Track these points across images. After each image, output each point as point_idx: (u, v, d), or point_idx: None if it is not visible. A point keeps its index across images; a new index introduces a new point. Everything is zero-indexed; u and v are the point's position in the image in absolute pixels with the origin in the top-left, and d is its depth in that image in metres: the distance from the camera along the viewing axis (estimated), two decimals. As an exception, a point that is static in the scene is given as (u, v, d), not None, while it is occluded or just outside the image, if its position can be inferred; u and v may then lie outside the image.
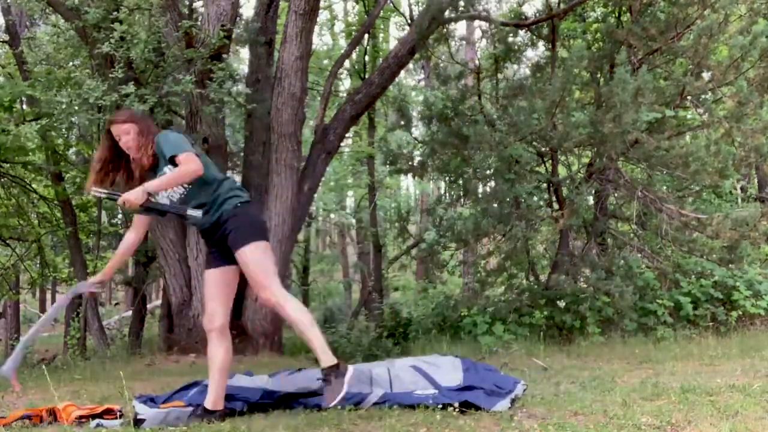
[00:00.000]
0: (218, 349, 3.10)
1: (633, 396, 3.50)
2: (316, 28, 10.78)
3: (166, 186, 3.01)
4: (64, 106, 6.20)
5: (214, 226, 3.11)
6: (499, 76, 8.51)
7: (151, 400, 3.29)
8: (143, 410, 3.08)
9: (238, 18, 7.97)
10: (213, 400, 3.08)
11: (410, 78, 18.60)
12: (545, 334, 6.83)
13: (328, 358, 2.89)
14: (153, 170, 3.13)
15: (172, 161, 3.03)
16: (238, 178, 8.08)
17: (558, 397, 3.50)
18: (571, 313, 7.13)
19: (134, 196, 2.89)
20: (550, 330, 7.11)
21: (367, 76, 10.71)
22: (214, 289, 3.16)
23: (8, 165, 8.89)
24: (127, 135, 3.13)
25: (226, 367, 3.11)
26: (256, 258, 3.01)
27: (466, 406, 3.09)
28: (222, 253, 3.14)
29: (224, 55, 6.79)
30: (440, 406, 3.12)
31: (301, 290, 16.16)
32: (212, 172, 3.15)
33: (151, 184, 2.95)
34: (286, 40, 7.13)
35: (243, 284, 7.59)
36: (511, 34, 8.17)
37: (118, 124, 3.14)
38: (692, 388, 3.66)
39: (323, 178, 10.59)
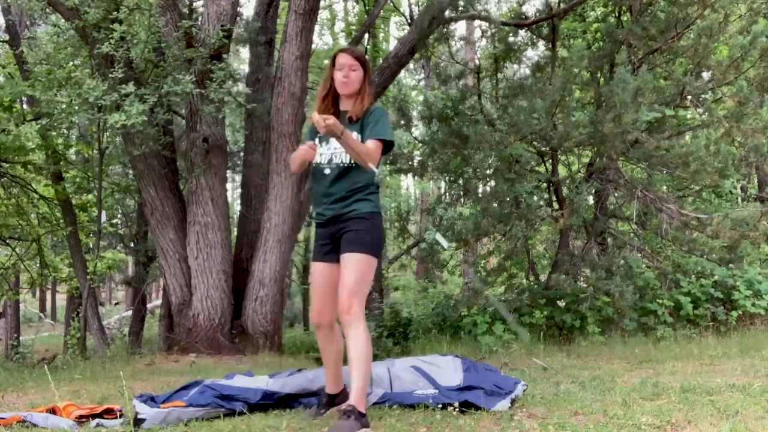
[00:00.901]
0: (329, 344, 3.07)
1: (633, 396, 3.50)
2: (316, 28, 10.77)
3: (355, 149, 2.82)
4: (64, 106, 6.20)
5: (334, 219, 2.96)
6: (499, 75, 8.52)
7: (151, 400, 3.29)
8: (144, 410, 3.07)
9: (238, 18, 7.97)
10: (332, 386, 3.13)
11: (410, 78, 18.60)
12: (545, 334, 6.84)
13: (362, 403, 2.78)
14: (349, 121, 2.97)
15: (372, 135, 2.88)
16: (238, 178, 8.07)
17: (558, 397, 3.50)
18: (571, 312, 7.13)
19: (333, 123, 2.71)
20: (550, 330, 7.11)
21: (367, 76, 10.69)
22: (324, 284, 3.02)
23: (8, 165, 8.88)
24: (354, 72, 2.98)
25: (339, 356, 3.09)
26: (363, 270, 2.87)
27: (466, 406, 3.09)
28: (336, 249, 2.97)
29: (224, 55, 6.79)
30: (440, 406, 3.12)
31: (302, 290, 16.15)
32: (375, 179, 3.01)
33: (348, 134, 2.80)
34: (286, 40, 7.13)
35: (243, 284, 7.50)
36: (512, 34, 8.18)
37: (349, 54, 3.01)
38: (692, 387, 3.67)
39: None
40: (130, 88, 5.91)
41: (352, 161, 2.92)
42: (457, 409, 3.05)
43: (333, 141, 2.92)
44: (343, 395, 3.10)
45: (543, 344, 6.32)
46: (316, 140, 3.06)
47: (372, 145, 2.89)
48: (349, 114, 2.99)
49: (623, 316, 6.92)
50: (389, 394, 3.33)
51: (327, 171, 2.98)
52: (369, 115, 2.97)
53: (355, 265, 2.84)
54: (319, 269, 3.03)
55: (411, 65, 13.30)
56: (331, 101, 3.05)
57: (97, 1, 6.33)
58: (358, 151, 2.83)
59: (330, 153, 2.98)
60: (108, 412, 3.21)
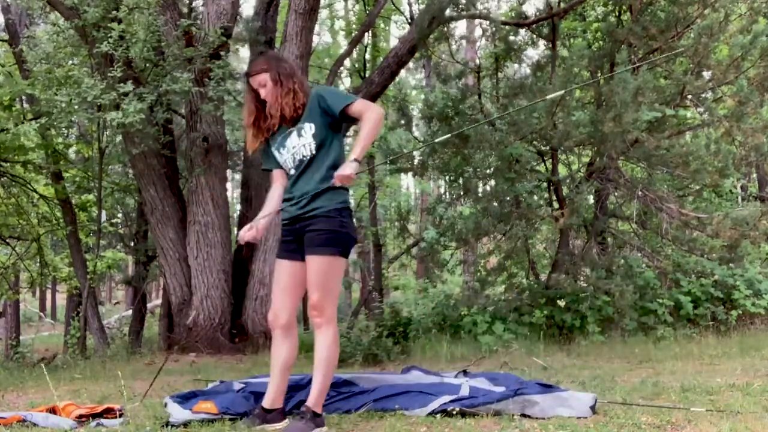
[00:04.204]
0: (281, 347, 2.92)
1: (633, 395, 3.50)
2: (316, 27, 10.77)
3: (370, 143, 2.81)
4: (63, 105, 6.19)
5: (298, 217, 2.87)
6: (500, 75, 8.51)
7: (185, 399, 3.24)
8: (177, 412, 3.03)
9: (238, 17, 7.97)
10: (272, 398, 2.93)
11: (411, 77, 18.60)
12: (545, 334, 6.83)
13: (319, 405, 2.78)
14: (294, 123, 2.90)
15: (343, 116, 2.79)
16: (238, 177, 8.07)
17: (558, 397, 3.50)
18: (572, 312, 7.13)
19: (351, 170, 2.69)
20: (550, 329, 7.11)
21: (367, 75, 10.70)
22: (286, 282, 2.93)
23: (8, 164, 8.88)
24: (263, 88, 2.89)
25: (289, 366, 2.94)
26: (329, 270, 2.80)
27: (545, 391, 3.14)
28: (301, 247, 2.88)
29: (221, 53, 6.77)
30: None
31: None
32: (339, 161, 2.86)
33: (358, 152, 2.73)
34: (286, 39, 7.13)
35: (243, 283, 7.52)
36: (512, 33, 8.17)
37: (253, 76, 2.92)
38: (692, 387, 3.67)
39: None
40: (129, 87, 5.90)
41: (314, 150, 2.85)
42: (468, 411, 3.03)
43: (290, 141, 2.89)
44: (276, 414, 2.91)
45: (543, 344, 6.32)
46: (274, 148, 2.98)
47: (357, 106, 2.80)
48: (289, 116, 2.89)
49: (623, 316, 6.91)
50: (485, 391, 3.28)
51: (293, 171, 2.94)
52: (318, 102, 2.87)
53: (321, 267, 2.78)
54: (283, 267, 2.94)
55: (411, 64, 13.30)
56: (262, 120, 2.97)
57: (96, 0, 6.32)
58: (374, 133, 2.78)
59: (291, 154, 2.91)
60: (108, 412, 3.21)
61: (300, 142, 2.88)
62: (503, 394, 3.11)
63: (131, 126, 5.93)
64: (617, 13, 8.20)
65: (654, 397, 3.47)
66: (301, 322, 16.77)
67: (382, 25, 14.92)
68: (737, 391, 3.55)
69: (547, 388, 3.22)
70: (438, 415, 3.01)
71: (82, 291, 8.22)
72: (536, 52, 9.35)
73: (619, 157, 7.39)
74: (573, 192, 7.45)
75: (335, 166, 2.83)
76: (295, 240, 2.90)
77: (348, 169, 2.73)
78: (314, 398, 2.76)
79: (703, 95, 7.84)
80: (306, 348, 7.29)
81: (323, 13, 15.62)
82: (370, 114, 2.77)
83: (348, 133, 12.37)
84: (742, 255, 7.26)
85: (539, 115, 7.05)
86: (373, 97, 8.43)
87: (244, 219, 7.92)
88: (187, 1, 7.69)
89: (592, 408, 3.04)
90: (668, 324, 6.92)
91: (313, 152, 2.87)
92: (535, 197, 8.28)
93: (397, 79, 9.32)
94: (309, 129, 2.87)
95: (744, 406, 3.09)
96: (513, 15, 8.82)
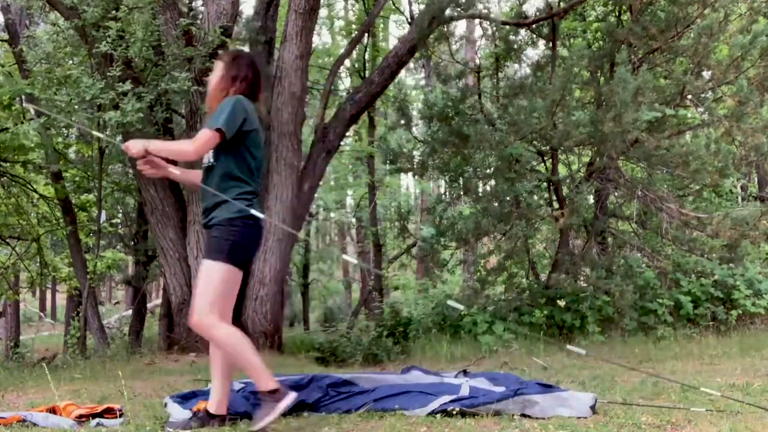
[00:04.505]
0: (219, 351, 2.92)
1: (633, 395, 3.50)
2: (316, 27, 10.78)
3: (165, 154, 2.84)
4: (63, 105, 6.19)
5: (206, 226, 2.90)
6: (500, 75, 8.51)
7: (185, 399, 3.24)
8: (177, 412, 3.02)
9: (238, 16, 7.96)
10: (214, 403, 2.91)
11: (411, 77, 18.60)
12: (545, 333, 6.83)
13: (266, 383, 2.76)
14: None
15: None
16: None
17: (558, 397, 3.50)
18: (572, 312, 7.13)
19: (133, 145, 2.74)
20: (550, 329, 7.11)
21: (367, 75, 10.70)
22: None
23: (8, 164, 8.88)
24: (213, 73, 2.94)
25: (228, 367, 2.93)
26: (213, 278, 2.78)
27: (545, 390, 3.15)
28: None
29: (220, 51, 6.75)
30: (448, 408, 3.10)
31: (301, 289, 16.16)
32: (238, 170, 2.84)
33: (154, 144, 2.79)
34: (286, 39, 7.12)
35: (244, 283, 7.56)
36: (512, 33, 8.17)
37: (217, 59, 2.99)
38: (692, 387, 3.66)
39: (323, 177, 10.58)
40: (127, 86, 5.90)
41: (210, 160, 2.86)
42: (475, 410, 3.03)
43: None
44: (220, 420, 2.89)
45: (543, 344, 6.31)
46: None
47: (199, 134, 2.80)
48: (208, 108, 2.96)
49: (623, 316, 6.91)
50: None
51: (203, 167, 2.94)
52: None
53: (204, 274, 2.79)
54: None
55: (411, 64, 13.30)
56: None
57: (96, 0, 6.32)
58: (169, 152, 2.86)
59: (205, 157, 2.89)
60: (108, 412, 3.21)
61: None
62: (503, 394, 3.11)
63: (130, 125, 5.92)
64: (617, 13, 8.20)
65: (654, 397, 3.47)
66: (301, 322, 16.79)
67: (382, 25, 14.93)
68: (737, 390, 3.55)
69: (547, 388, 3.22)
70: (438, 415, 3.01)
71: (82, 291, 8.22)
72: (536, 52, 9.35)
73: (619, 157, 7.39)
74: (573, 192, 7.45)
75: (231, 186, 2.83)
76: None
77: (131, 143, 2.77)
78: (259, 380, 2.77)
79: (703, 95, 7.84)
80: (306, 348, 7.32)
81: (323, 13, 15.61)
82: (183, 142, 2.88)
83: (348, 133, 12.33)
84: (742, 255, 7.26)
85: (539, 115, 7.05)
86: (373, 97, 8.44)
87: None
88: (187, 1, 7.68)
89: (592, 408, 3.04)
90: (668, 324, 6.92)
91: (210, 162, 2.88)
92: (535, 197, 8.28)
93: (396, 79, 9.32)
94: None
95: (744, 406, 3.09)
96: (513, 15, 8.83)
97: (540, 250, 9.13)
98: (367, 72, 12.00)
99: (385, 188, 18.05)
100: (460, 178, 8.55)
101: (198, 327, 2.78)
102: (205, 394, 3.36)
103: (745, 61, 7.02)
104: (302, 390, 3.27)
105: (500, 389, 3.25)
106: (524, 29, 8.20)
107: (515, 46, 8.19)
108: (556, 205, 8.07)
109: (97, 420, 3.11)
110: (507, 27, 8.16)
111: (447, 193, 12.51)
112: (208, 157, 2.87)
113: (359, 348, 6.28)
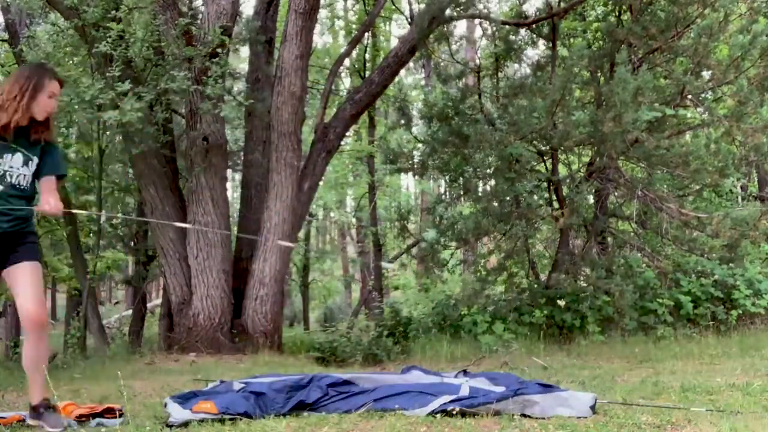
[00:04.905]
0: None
1: (633, 395, 3.50)
2: (316, 27, 10.78)
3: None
4: (63, 105, 6.19)
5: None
6: (500, 75, 8.51)
7: (185, 399, 3.26)
8: (176, 412, 3.03)
9: (238, 16, 7.96)
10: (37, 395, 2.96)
11: (411, 77, 18.59)
12: (545, 333, 6.83)
13: (39, 396, 2.91)
14: (30, 143, 2.93)
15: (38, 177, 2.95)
16: (238, 177, 8.06)
17: (558, 397, 3.49)
18: (572, 312, 7.13)
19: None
20: (550, 329, 7.11)
21: (367, 75, 10.71)
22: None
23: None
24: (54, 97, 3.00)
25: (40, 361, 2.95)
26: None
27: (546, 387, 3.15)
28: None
29: (219, 50, 6.76)
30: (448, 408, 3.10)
31: (301, 289, 16.15)
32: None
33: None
34: (286, 39, 7.12)
35: (244, 283, 7.49)
36: (512, 33, 8.17)
37: (59, 82, 3.05)
38: (692, 387, 3.67)
39: (323, 177, 10.58)
40: (126, 86, 5.90)
41: (28, 185, 2.95)
42: (468, 410, 3.03)
43: (6, 158, 2.89)
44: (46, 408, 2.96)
45: (543, 343, 6.32)
46: None
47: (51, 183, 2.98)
48: (38, 136, 2.96)
49: (623, 316, 6.92)
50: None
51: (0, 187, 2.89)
52: (50, 145, 3.01)
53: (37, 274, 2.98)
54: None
55: (411, 64, 13.30)
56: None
57: (96, 0, 6.32)
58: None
59: (4, 170, 2.89)
60: (108, 412, 3.21)
61: (21, 171, 2.93)
62: (503, 394, 3.11)
63: (130, 125, 5.92)
64: (617, 13, 8.20)
65: (654, 397, 3.47)
66: (301, 322, 16.78)
67: (382, 25, 14.93)
68: (737, 390, 3.55)
69: (547, 388, 3.22)
70: (438, 415, 3.01)
71: (82, 291, 8.22)
72: (536, 52, 9.35)
73: (619, 157, 7.38)
74: (573, 192, 7.45)
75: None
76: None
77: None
78: (39, 393, 2.92)
79: (703, 95, 7.84)
80: (306, 348, 7.31)
81: (323, 13, 15.61)
82: (54, 198, 2.95)
83: (347, 134, 12.32)
84: (742, 255, 7.26)
85: (539, 114, 7.05)
86: (373, 97, 8.44)
87: (244, 219, 7.93)
88: (187, 1, 7.68)
89: (592, 408, 3.04)
90: (668, 324, 6.92)
91: (27, 186, 2.96)
92: (535, 197, 8.28)
93: (396, 78, 9.32)
94: (34, 165, 2.96)
95: (744, 405, 3.09)
96: (513, 15, 8.83)
97: (540, 250, 9.13)
98: (367, 72, 12.00)
99: (385, 188, 18.04)
100: (460, 178, 8.55)
101: (45, 324, 2.91)
102: (205, 394, 3.37)
103: (745, 61, 7.01)
104: (302, 390, 3.27)
105: (500, 389, 3.25)
106: (524, 29, 8.20)
107: (515, 46, 8.19)
108: (556, 205, 8.07)
109: (97, 420, 3.11)
110: (507, 27, 8.16)
111: (447, 193, 12.51)
112: (27, 182, 2.96)
113: (359, 348, 6.28)
